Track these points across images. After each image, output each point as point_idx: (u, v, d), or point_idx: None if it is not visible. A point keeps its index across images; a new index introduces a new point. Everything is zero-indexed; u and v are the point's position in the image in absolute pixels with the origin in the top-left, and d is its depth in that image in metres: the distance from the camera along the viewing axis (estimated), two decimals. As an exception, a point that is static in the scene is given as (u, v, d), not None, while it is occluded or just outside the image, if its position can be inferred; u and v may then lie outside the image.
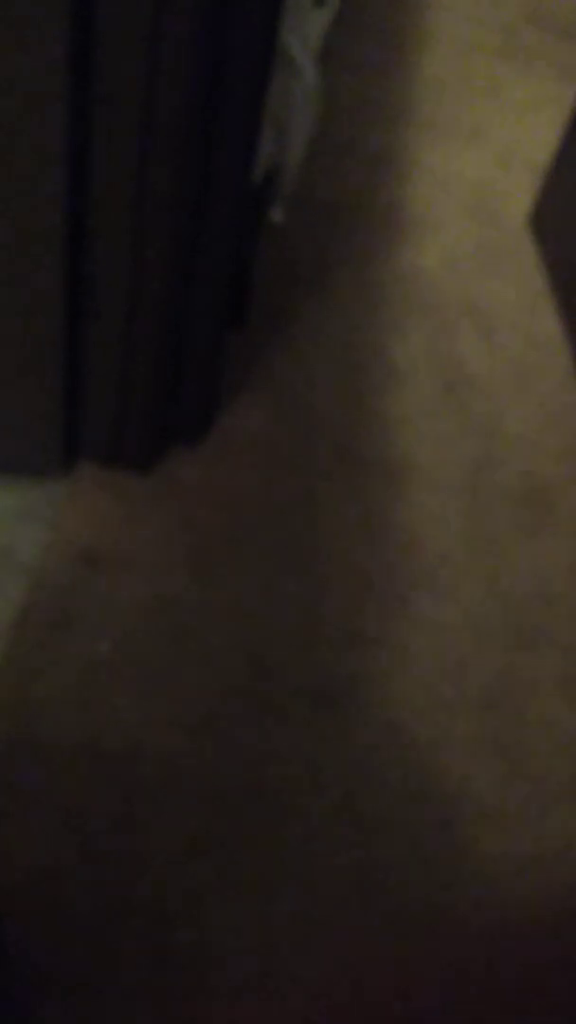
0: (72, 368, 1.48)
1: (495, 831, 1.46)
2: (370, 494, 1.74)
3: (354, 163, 2.20)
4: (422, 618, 1.62)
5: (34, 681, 1.45)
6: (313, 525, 1.69)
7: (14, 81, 1.14)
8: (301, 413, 1.80)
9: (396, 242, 2.09)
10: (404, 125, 2.30)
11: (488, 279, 2.08)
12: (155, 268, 1.37)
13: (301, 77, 1.58)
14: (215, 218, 1.37)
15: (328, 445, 1.78)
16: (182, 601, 1.56)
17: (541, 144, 2.25)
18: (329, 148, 2.14)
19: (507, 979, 1.37)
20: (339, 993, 1.32)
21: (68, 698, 1.45)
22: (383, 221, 2.12)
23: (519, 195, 2.20)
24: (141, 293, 1.39)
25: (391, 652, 1.58)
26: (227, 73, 1.21)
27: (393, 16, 2.53)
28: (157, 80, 1.16)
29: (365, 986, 1.33)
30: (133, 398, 1.55)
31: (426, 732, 1.52)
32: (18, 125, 1.18)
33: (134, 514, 1.63)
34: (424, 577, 1.66)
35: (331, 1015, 1.31)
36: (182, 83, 1.18)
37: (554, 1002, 1.37)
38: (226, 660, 1.52)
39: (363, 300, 1.99)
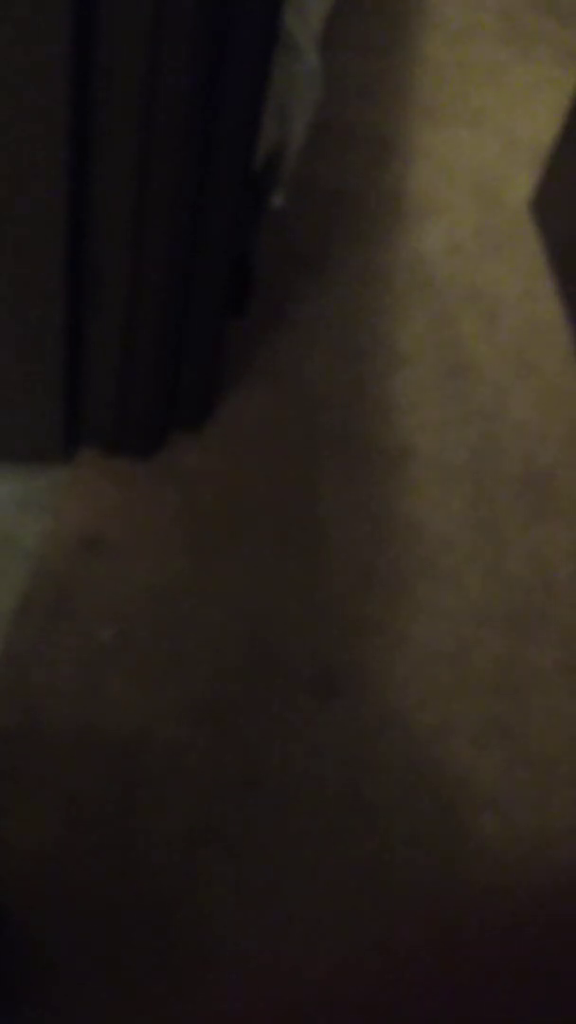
0: (73, 355, 1.48)
1: (497, 816, 1.46)
2: (371, 480, 1.74)
3: (355, 147, 2.19)
4: (424, 604, 1.62)
5: (35, 668, 1.45)
6: (315, 511, 1.68)
7: (15, 59, 1.13)
8: (302, 399, 1.80)
9: (397, 227, 2.08)
10: (405, 109, 2.29)
11: (490, 263, 2.07)
12: (156, 255, 1.37)
13: (303, 60, 1.57)
14: (216, 205, 1.37)
15: (330, 431, 1.77)
16: (183, 587, 1.56)
17: (542, 128, 2.24)
18: (330, 132, 2.13)
19: (509, 964, 1.37)
20: (340, 976, 1.32)
21: (69, 685, 1.45)
22: (384, 206, 2.11)
23: (520, 179, 2.20)
24: (142, 280, 1.39)
25: (393, 638, 1.58)
26: (229, 56, 1.21)
27: (394, -1, 2.51)
28: (159, 65, 1.16)
29: (366, 969, 1.33)
30: (134, 385, 1.54)
31: (428, 718, 1.52)
32: (20, 102, 1.17)
33: (136, 501, 1.63)
34: (426, 563, 1.66)
35: (332, 997, 1.32)
36: (183, 67, 1.17)
37: (555, 985, 1.37)
38: (228, 646, 1.52)
39: (364, 285, 1.98)
